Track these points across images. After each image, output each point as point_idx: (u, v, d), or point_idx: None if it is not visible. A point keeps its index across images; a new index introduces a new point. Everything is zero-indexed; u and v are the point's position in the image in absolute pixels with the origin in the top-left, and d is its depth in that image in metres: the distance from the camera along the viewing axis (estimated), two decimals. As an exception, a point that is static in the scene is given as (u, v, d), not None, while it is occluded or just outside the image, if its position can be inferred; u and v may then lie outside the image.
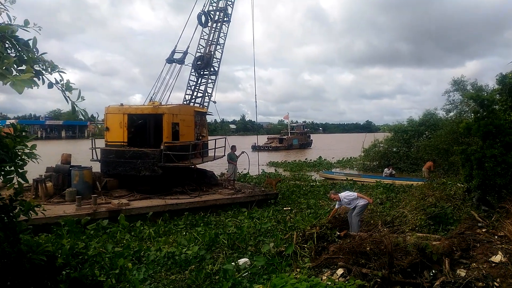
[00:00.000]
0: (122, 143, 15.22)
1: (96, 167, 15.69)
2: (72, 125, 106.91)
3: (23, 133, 2.55)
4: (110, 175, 15.16)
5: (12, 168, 2.49)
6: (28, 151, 2.55)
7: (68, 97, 1.81)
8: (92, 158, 16.18)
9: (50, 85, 1.90)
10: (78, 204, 12.19)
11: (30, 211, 2.97)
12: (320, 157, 41.19)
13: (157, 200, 14.08)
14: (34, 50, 1.91)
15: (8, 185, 2.71)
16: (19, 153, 2.51)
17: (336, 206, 10.17)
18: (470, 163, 9.33)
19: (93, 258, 3.36)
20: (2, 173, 2.57)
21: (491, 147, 8.95)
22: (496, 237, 7.76)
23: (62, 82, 1.87)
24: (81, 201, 12.41)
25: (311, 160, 39.26)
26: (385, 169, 25.53)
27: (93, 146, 16.08)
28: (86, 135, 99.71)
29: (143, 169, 14.65)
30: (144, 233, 11.11)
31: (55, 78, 1.90)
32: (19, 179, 2.66)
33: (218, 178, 18.99)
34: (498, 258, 6.94)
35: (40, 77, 1.89)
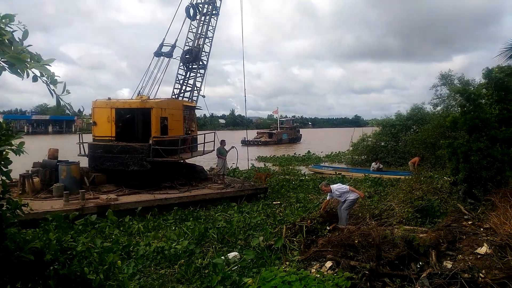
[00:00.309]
0: (110, 138, 15.07)
1: (84, 162, 15.53)
2: (59, 120, 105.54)
3: (8, 131, 2.51)
4: (98, 170, 15.02)
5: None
6: (16, 149, 2.50)
7: (53, 90, 1.77)
8: (80, 153, 16.01)
9: (35, 79, 1.86)
10: (66, 200, 12.06)
11: (17, 210, 2.93)
12: (308, 151, 41.30)
13: (146, 195, 14.00)
14: (18, 41, 1.87)
15: None
16: (4, 153, 2.47)
17: (328, 198, 10.20)
18: (457, 157, 9.45)
19: (82, 254, 3.32)
20: None
21: (477, 140, 9.09)
22: (481, 229, 7.89)
23: (46, 75, 1.83)
24: (69, 196, 12.27)
25: (299, 154, 39.30)
26: (373, 163, 25.75)
27: (81, 141, 15.90)
28: (73, 130, 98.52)
29: (132, 164, 14.55)
30: (133, 228, 11.06)
31: (39, 71, 1.86)
32: (3, 178, 2.62)
33: (207, 172, 18.96)
34: (483, 250, 7.06)
35: (25, 70, 1.84)
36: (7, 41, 1.81)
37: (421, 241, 7.26)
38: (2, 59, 1.75)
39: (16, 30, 1.90)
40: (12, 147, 2.51)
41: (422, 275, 6.54)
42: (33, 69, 1.77)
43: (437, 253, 7.13)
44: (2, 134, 2.50)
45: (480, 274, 6.46)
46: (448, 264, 6.85)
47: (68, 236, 3.33)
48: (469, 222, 8.36)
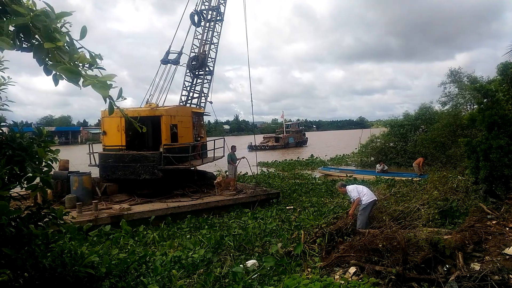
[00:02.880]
0: (121, 147, 15.00)
1: (95, 172, 15.46)
2: (65, 131, 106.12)
3: (47, 138, 2.39)
4: (110, 180, 14.94)
5: (36, 174, 2.32)
6: (53, 156, 2.39)
7: (109, 96, 1.60)
8: (90, 163, 15.95)
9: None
10: (79, 211, 11.98)
11: (59, 220, 2.78)
12: (312, 155, 40.86)
13: (158, 203, 13.89)
14: (75, 45, 1.68)
15: (32, 191, 2.54)
16: (50, 158, 2.35)
17: (351, 200, 9.87)
18: (476, 155, 9.24)
19: (136, 264, 3.19)
20: (26, 178, 2.39)
21: (497, 137, 8.88)
22: (507, 228, 7.68)
23: (103, 96, 1.64)
24: (82, 207, 12.19)
25: (303, 158, 38.67)
26: (377, 165, 25.51)
27: (91, 151, 15.84)
28: (79, 141, 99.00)
29: (143, 172, 14.45)
30: (147, 237, 10.93)
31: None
32: (44, 186, 2.49)
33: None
34: (511, 250, 6.86)
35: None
36: (65, 47, 1.62)
37: (446, 243, 7.07)
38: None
39: (69, 31, 1.71)
40: (50, 156, 2.39)
41: (450, 279, 6.34)
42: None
43: (464, 255, 6.93)
44: (42, 140, 2.40)
45: (510, 276, 6.26)
46: (476, 266, 6.65)
47: (117, 249, 3.23)
48: (494, 222, 8.15)
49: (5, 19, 1.60)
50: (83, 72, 1.58)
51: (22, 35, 1.64)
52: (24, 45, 1.69)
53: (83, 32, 1.67)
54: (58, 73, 1.55)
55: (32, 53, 1.66)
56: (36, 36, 1.61)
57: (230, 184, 16.14)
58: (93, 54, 1.74)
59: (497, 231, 7.64)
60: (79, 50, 1.68)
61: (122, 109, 1.87)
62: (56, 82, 1.66)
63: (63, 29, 1.71)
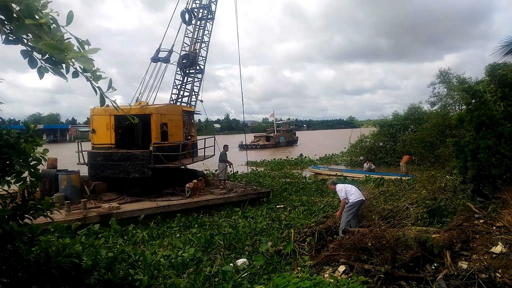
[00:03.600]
0: (110, 145, 14.88)
1: (84, 171, 15.30)
2: (53, 129, 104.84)
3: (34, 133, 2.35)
4: (99, 178, 14.80)
5: (23, 170, 2.27)
6: (41, 154, 2.35)
7: (98, 87, 1.57)
8: (79, 161, 15.79)
9: (76, 74, 1.65)
10: (67, 209, 11.84)
11: (47, 211, 2.73)
12: (301, 154, 40.87)
13: (148, 202, 13.79)
14: (59, 26, 1.63)
15: (20, 184, 2.48)
16: (37, 156, 2.31)
17: (341, 198, 9.77)
18: (464, 155, 9.34)
19: (121, 257, 3.16)
20: (14, 173, 2.34)
21: (485, 137, 8.98)
22: (494, 227, 7.77)
23: (88, 69, 1.60)
24: (70, 206, 12.05)
25: (292, 158, 38.38)
26: (364, 164, 25.68)
27: (80, 149, 15.68)
28: (67, 139, 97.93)
29: (133, 171, 14.35)
30: (137, 236, 10.85)
31: (79, 66, 1.64)
32: (32, 179, 2.45)
33: (208, 178, 18.78)
34: (498, 248, 6.95)
35: (69, 66, 1.62)
36: (46, 28, 1.57)
37: (434, 241, 7.14)
38: (41, 55, 1.51)
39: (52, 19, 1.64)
40: (37, 153, 2.35)
41: (438, 277, 6.41)
42: (76, 62, 1.54)
43: (452, 254, 7.01)
44: (29, 135, 2.36)
45: (497, 274, 6.35)
46: (464, 265, 6.74)
47: (102, 240, 3.22)
48: (481, 221, 8.24)
49: None
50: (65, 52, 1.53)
51: (3, 16, 1.59)
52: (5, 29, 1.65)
53: (70, 18, 1.63)
54: (43, 65, 1.51)
55: (16, 45, 1.62)
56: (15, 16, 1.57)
57: (200, 188, 15.38)
58: (80, 40, 1.70)
59: (484, 230, 7.73)
60: (66, 39, 1.64)
61: (112, 102, 1.83)
62: (41, 75, 1.62)
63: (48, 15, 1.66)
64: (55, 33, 1.63)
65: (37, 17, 1.57)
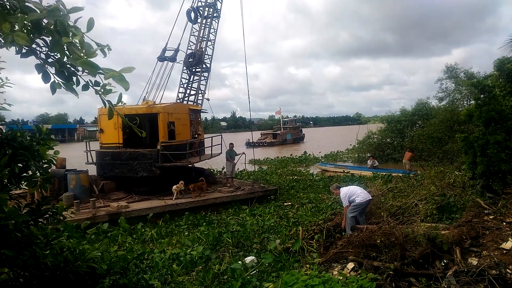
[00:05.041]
0: (118, 145, 14.97)
1: (92, 170, 15.41)
2: (61, 129, 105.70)
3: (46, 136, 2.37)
4: (107, 178, 14.91)
5: (37, 172, 2.30)
6: (52, 156, 2.37)
7: (108, 101, 1.57)
8: (88, 161, 15.90)
9: (85, 87, 1.66)
10: (77, 209, 11.95)
11: (60, 216, 2.76)
12: (305, 152, 40.62)
13: (156, 201, 13.87)
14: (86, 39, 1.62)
15: (32, 187, 2.51)
16: (49, 158, 2.33)
17: (344, 204, 9.30)
18: (473, 150, 9.27)
19: (136, 261, 3.18)
20: (25, 181, 2.37)
21: (494, 133, 8.90)
22: (504, 223, 7.72)
23: (124, 87, 1.59)
24: (79, 205, 12.16)
25: (296, 156, 37.86)
26: (368, 160, 25.52)
27: (88, 149, 15.79)
28: (75, 139, 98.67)
29: (141, 170, 14.43)
30: (145, 235, 10.92)
31: (89, 80, 1.65)
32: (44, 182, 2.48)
33: (215, 176, 18.84)
34: (509, 244, 6.90)
35: (74, 78, 1.63)
36: (77, 43, 1.56)
37: (444, 238, 7.10)
38: (66, 66, 1.50)
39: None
40: (50, 154, 2.38)
41: (448, 273, 6.37)
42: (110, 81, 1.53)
43: (461, 250, 6.97)
44: (42, 138, 2.38)
45: (508, 270, 6.31)
46: (474, 261, 6.68)
47: (115, 246, 3.23)
48: (491, 217, 8.19)
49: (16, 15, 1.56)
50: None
51: (34, 31, 1.60)
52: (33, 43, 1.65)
53: (90, 25, 1.63)
54: (56, 81, 1.52)
55: (28, 56, 1.61)
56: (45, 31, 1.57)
57: (202, 188, 15.20)
58: (101, 47, 1.69)
59: (494, 226, 7.68)
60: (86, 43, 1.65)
61: (121, 105, 1.83)
62: (53, 91, 1.63)
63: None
64: (88, 49, 1.63)
65: (72, 31, 1.57)
